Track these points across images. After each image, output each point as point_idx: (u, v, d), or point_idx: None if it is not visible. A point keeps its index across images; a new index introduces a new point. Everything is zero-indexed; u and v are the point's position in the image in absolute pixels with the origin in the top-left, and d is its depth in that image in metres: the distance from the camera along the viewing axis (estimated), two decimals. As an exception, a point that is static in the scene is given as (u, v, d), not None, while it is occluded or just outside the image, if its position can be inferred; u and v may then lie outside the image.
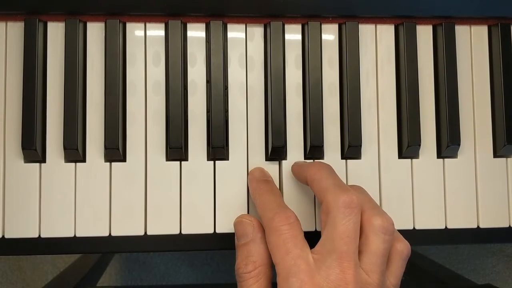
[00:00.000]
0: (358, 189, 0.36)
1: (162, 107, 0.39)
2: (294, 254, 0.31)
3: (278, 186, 0.39)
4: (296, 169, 0.38)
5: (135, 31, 0.40)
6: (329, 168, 0.36)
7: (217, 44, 0.39)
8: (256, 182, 0.38)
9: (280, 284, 0.31)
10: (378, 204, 0.40)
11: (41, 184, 0.38)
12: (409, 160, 0.41)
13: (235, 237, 0.37)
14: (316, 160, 0.39)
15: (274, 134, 0.39)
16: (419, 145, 0.40)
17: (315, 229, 0.39)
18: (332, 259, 0.31)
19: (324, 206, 0.33)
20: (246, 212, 0.39)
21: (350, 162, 0.40)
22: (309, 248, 0.32)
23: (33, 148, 0.37)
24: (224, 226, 0.39)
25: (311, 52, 0.40)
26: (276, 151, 0.39)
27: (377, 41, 0.41)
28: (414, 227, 0.40)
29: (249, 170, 0.39)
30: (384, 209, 0.40)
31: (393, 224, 0.33)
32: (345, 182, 0.40)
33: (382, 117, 0.41)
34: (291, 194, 0.39)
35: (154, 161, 0.39)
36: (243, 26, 0.40)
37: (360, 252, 0.32)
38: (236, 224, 0.37)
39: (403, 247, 0.34)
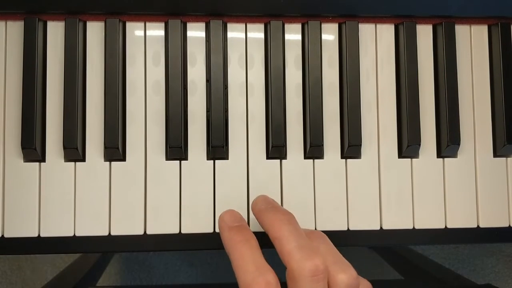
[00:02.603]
0: (320, 239, 0.34)
1: (162, 106, 0.39)
2: None
3: (278, 187, 0.39)
4: (256, 213, 0.35)
5: (135, 30, 0.40)
6: (291, 222, 0.33)
7: (217, 43, 0.39)
8: (228, 230, 0.34)
9: None
10: (378, 204, 0.40)
11: (41, 184, 0.38)
12: (409, 159, 0.41)
13: None
14: (278, 208, 0.35)
15: (274, 134, 0.39)
16: (419, 145, 0.40)
17: (315, 228, 0.39)
18: None
19: (289, 272, 0.31)
20: (246, 211, 0.39)
21: (350, 161, 0.40)
22: None
23: (32, 147, 0.37)
24: (224, 226, 0.39)
25: (311, 51, 0.40)
26: (276, 150, 0.39)
27: (377, 41, 0.41)
28: (414, 227, 0.40)
29: (249, 170, 0.39)
30: (384, 209, 0.40)
31: (357, 278, 0.32)
32: (345, 182, 0.40)
33: (382, 117, 0.41)
34: (291, 194, 0.39)
35: (154, 160, 0.39)
36: (243, 25, 0.40)
37: None
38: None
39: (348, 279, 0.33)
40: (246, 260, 0.32)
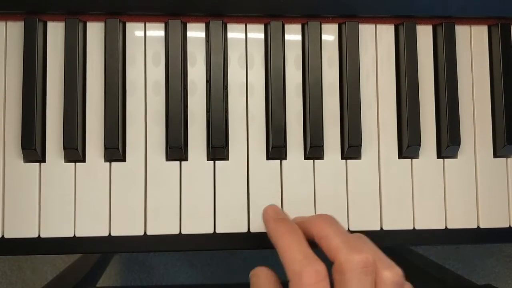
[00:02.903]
0: (363, 240, 0.34)
1: (162, 107, 0.39)
2: None
3: (278, 187, 0.39)
4: (298, 224, 0.35)
5: (135, 31, 0.40)
6: (334, 222, 0.34)
7: (217, 43, 0.39)
8: (274, 222, 0.35)
9: None
10: (378, 204, 0.40)
11: (41, 184, 0.38)
12: (409, 160, 0.41)
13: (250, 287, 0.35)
14: (318, 214, 0.37)
15: (274, 134, 0.39)
16: (419, 145, 0.40)
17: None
18: None
19: (337, 266, 0.31)
20: (246, 211, 0.39)
21: (350, 162, 0.40)
22: None
23: (32, 148, 0.37)
24: (224, 226, 0.39)
25: (311, 51, 0.40)
26: (276, 150, 0.39)
27: (377, 41, 0.41)
28: (414, 227, 0.40)
29: (249, 171, 0.39)
30: (384, 210, 0.40)
31: (403, 276, 0.32)
32: (345, 183, 0.40)
33: (382, 117, 0.41)
34: (291, 195, 0.39)
35: (154, 161, 0.39)
36: (243, 26, 0.40)
37: None
38: (252, 276, 0.35)
39: (393, 276, 0.32)
40: (294, 250, 0.32)
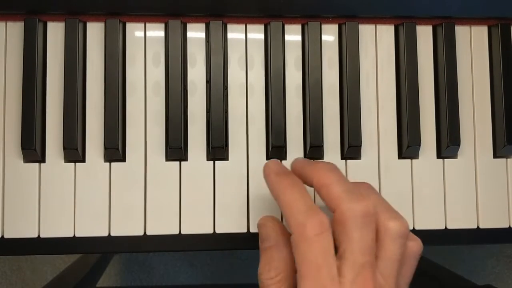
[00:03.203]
0: (368, 189, 0.34)
1: (162, 107, 0.39)
2: (324, 274, 0.29)
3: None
4: (298, 169, 0.35)
5: (135, 31, 0.40)
6: (336, 170, 0.33)
7: (217, 44, 0.39)
8: (275, 175, 0.34)
9: None
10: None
11: (41, 184, 0.38)
12: (409, 160, 0.41)
13: (259, 239, 0.35)
14: (320, 161, 0.36)
15: (274, 134, 0.39)
16: (419, 146, 0.40)
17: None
18: (354, 273, 0.30)
19: (338, 216, 0.31)
20: (245, 211, 0.39)
21: (350, 162, 0.40)
22: (335, 262, 0.30)
23: (32, 148, 0.37)
24: (224, 226, 0.39)
25: (311, 52, 0.40)
26: (276, 151, 0.39)
27: (377, 42, 0.41)
28: (414, 228, 0.40)
29: (249, 171, 0.39)
30: (384, 210, 0.40)
31: (408, 227, 0.32)
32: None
33: (382, 118, 0.41)
34: (291, 194, 0.39)
35: (154, 161, 0.39)
36: (243, 26, 0.40)
37: (377, 257, 0.31)
38: (259, 227, 0.35)
39: (416, 247, 0.33)
40: (298, 201, 0.31)
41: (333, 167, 0.33)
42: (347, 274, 0.30)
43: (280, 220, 0.35)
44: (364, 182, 0.35)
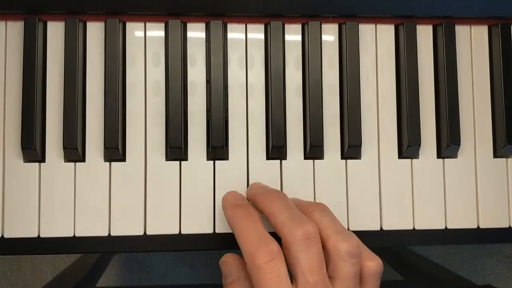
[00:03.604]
0: (321, 211, 0.35)
1: (162, 107, 0.39)
2: None
3: (278, 187, 0.39)
4: (250, 197, 0.37)
5: (135, 31, 0.40)
6: (282, 198, 0.35)
7: (217, 43, 0.39)
8: (232, 208, 0.36)
9: None
10: (378, 204, 0.40)
11: (41, 184, 0.38)
12: (409, 160, 0.41)
13: (222, 276, 0.37)
14: (269, 189, 0.37)
15: (274, 134, 0.39)
16: (419, 145, 0.40)
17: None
18: None
19: (284, 242, 0.33)
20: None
21: (350, 162, 0.40)
22: (291, 285, 0.32)
23: (32, 148, 0.37)
24: (224, 226, 0.39)
25: (311, 51, 0.40)
26: (276, 150, 0.39)
27: (377, 41, 0.41)
28: (414, 227, 0.40)
29: (249, 171, 0.39)
30: (384, 210, 0.40)
31: (359, 246, 0.33)
32: (345, 183, 0.40)
33: (382, 117, 0.41)
34: (291, 195, 0.39)
35: (154, 161, 0.39)
36: (243, 25, 0.40)
37: (331, 278, 0.33)
38: (221, 264, 0.37)
39: (375, 266, 0.34)
40: (250, 232, 0.33)
41: (278, 195, 0.35)
42: None
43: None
44: (319, 203, 0.37)
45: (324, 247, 0.33)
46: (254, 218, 0.34)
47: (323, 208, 0.36)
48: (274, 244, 0.32)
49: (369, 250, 0.36)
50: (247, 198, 0.38)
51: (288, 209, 0.34)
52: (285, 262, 0.32)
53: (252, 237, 0.33)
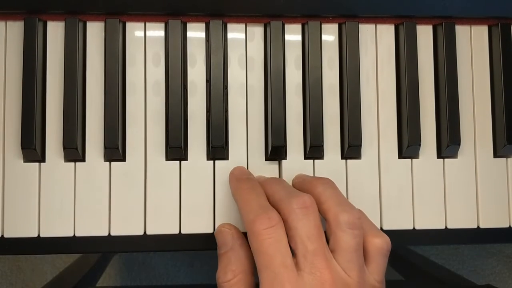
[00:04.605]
0: (325, 184, 0.35)
1: (162, 107, 0.39)
2: (277, 262, 0.31)
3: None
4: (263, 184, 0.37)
5: (135, 31, 0.40)
6: (280, 181, 0.36)
7: (217, 43, 0.39)
8: (236, 181, 0.37)
9: None
10: (378, 204, 0.40)
11: (41, 184, 0.38)
12: (409, 160, 0.41)
13: (217, 246, 0.37)
14: (271, 178, 0.38)
15: (274, 134, 0.39)
16: (419, 145, 0.40)
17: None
18: (308, 263, 0.31)
19: (282, 216, 0.33)
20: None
21: (350, 162, 0.40)
22: (290, 252, 0.32)
23: (32, 148, 0.37)
24: (224, 226, 0.39)
25: (311, 51, 0.40)
26: (276, 150, 0.39)
27: (377, 41, 0.41)
28: (414, 227, 0.40)
29: (249, 170, 0.39)
30: (384, 209, 0.40)
31: (360, 218, 0.33)
32: (345, 183, 0.40)
33: (382, 117, 0.41)
34: (291, 194, 0.39)
35: (154, 160, 0.39)
36: (243, 25, 0.40)
37: (333, 251, 0.32)
38: (216, 234, 0.37)
39: (381, 243, 0.34)
40: (251, 202, 0.34)
41: (277, 180, 0.37)
42: (302, 265, 0.31)
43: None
44: (324, 178, 0.37)
45: (325, 220, 0.33)
46: (257, 191, 0.35)
47: (327, 181, 0.36)
48: (274, 213, 0.32)
49: (377, 228, 0.35)
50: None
51: (286, 188, 0.35)
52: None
53: (253, 205, 0.33)
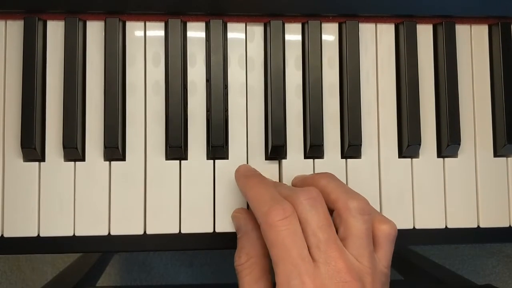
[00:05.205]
0: (328, 177, 0.36)
1: (162, 107, 0.39)
2: (295, 254, 0.31)
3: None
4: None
5: (135, 30, 0.40)
6: (282, 184, 0.37)
7: (217, 43, 0.39)
8: (244, 177, 0.37)
9: (281, 285, 0.31)
10: (378, 204, 0.40)
11: (41, 183, 0.38)
12: (409, 159, 0.40)
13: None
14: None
15: (274, 133, 0.39)
16: (419, 145, 0.40)
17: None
18: (321, 252, 0.31)
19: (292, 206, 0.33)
20: (245, 212, 0.39)
21: (350, 161, 0.40)
22: (306, 244, 0.32)
23: (32, 147, 0.37)
24: (224, 225, 0.39)
25: (311, 51, 0.40)
26: (276, 150, 0.39)
27: (377, 40, 0.41)
28: (414, 227, 0.40)
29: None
30: (384, 209, 0.40)
31: (369, 204, 0.33)
32: (345, 182, 0.40)
33: (382, 117, 0.41)
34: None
35: (154, 160, 0.39)
36: (243, 25, 0.40)
37: (343, 240, 0.33)
38: (233, 219, 0.38)
39: (389, 229, 0.34)
40: (263, 194, 0.34)
41: (282, 183, 0.38)
42: (316, 256, 0.31)
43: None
44: (325, 172, 0.37)
45: (334, 209, 0.34)
46: (267, 183, 0.35)
47: (328, 175, 0.36)
48: (288, 204, 0.32)
49: (382, 214, 0.36)
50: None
51: (291, 187, 0.35)
52: None
53: (265, 198, 0.33)
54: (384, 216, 0.35)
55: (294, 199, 0.33)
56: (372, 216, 0.34)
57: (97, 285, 0.78)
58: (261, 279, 0.34)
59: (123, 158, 0.39)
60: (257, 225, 0.35)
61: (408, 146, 0.39)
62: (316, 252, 0.31)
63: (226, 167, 0.39)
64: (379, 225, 0.34)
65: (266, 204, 0.32)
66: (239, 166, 0.38)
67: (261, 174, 0.37)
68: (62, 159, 0.38)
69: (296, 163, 0.40)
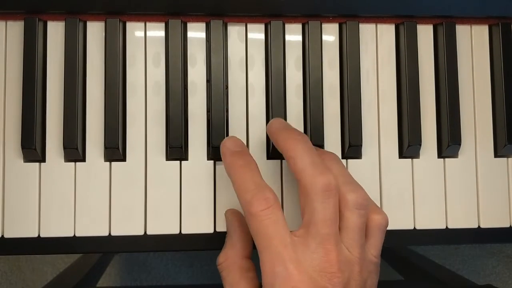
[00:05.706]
0: (332, 160, 0.35)
1: (162, 107, 0.39)
2: (276, 242, 0.31)
3: (279, 186, 0.39)
4: (272, 135, 0.36)
5: (135, 31, 0.40)
6: (305, 142, 0.34)
7: (217, 43, 0.39)
8: (230, 155, 0.35)
9: (266, 273, 0.32)
10: (379, 205, 0.40)
11: (41, 184, 0.38)
12: (410, 159, 0.40)
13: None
14: (293, 129, 0.36)
15: (275, 134, 0.38)
16: (420, 145, 0.40)
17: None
18: (316, 243, 0.31)
19: (302, 188, 0.33)
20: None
21: (351, 161, 0.40)
22: (289, 231, 0.32)
23: (32, 148, 0.37)
24: (224, 226, 0.39)
25: (311, 51, 0.40)
26: (276, 150, 0.39)
27: (377, 41, 0.41)
28: (414, 227, 0.40)
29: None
30: (385, 209, 0.40)
31: (367, 198, 0.34)
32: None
33: (383, 117, 0.41)
34: (292, 195, 0.39)
35: (154, 160, 0.39)
36: (244, 25, 0.40)
37: (338, 229, 0.33)
38: (226, 220, 0.39)
39: (381, 219, 0.35)
40: (247, 181, 0.33)
41: (302, 138, 0.34)
42: (311, 244, 0.31)
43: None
44: (330, 153, 0.37)
45: None
46: (251, 167, 0.35)
47: (334, 157, 0.36)
48: (270, 192, 0.32)
49: (376, 204, 0.36)
50: (268, 130, 0.37)
51: (310, 154, 0.33)
52: (298, 208, 0.33)
53: (249, 185, 0.33)
54: (377, 206, 0.36)
55: (311, 181, 0.32)
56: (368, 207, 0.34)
57: (97, 285, 0.78)
58: (241, 279, 0.35)
59: (123, 159, 0.39)
60: (240, 226, 0.36)
61: (408, 146, 0.39)
62: (311, 240, 0.32)
63: (226, 168, 0.39)
64: (372, 215, 0.34)
65: (249, 192, 0.33)
66: (226, 139, 0.36)
67: (247, 153, 0.36)
68: (63, 160, 0.38)
69: (296, 163, 0.40)
